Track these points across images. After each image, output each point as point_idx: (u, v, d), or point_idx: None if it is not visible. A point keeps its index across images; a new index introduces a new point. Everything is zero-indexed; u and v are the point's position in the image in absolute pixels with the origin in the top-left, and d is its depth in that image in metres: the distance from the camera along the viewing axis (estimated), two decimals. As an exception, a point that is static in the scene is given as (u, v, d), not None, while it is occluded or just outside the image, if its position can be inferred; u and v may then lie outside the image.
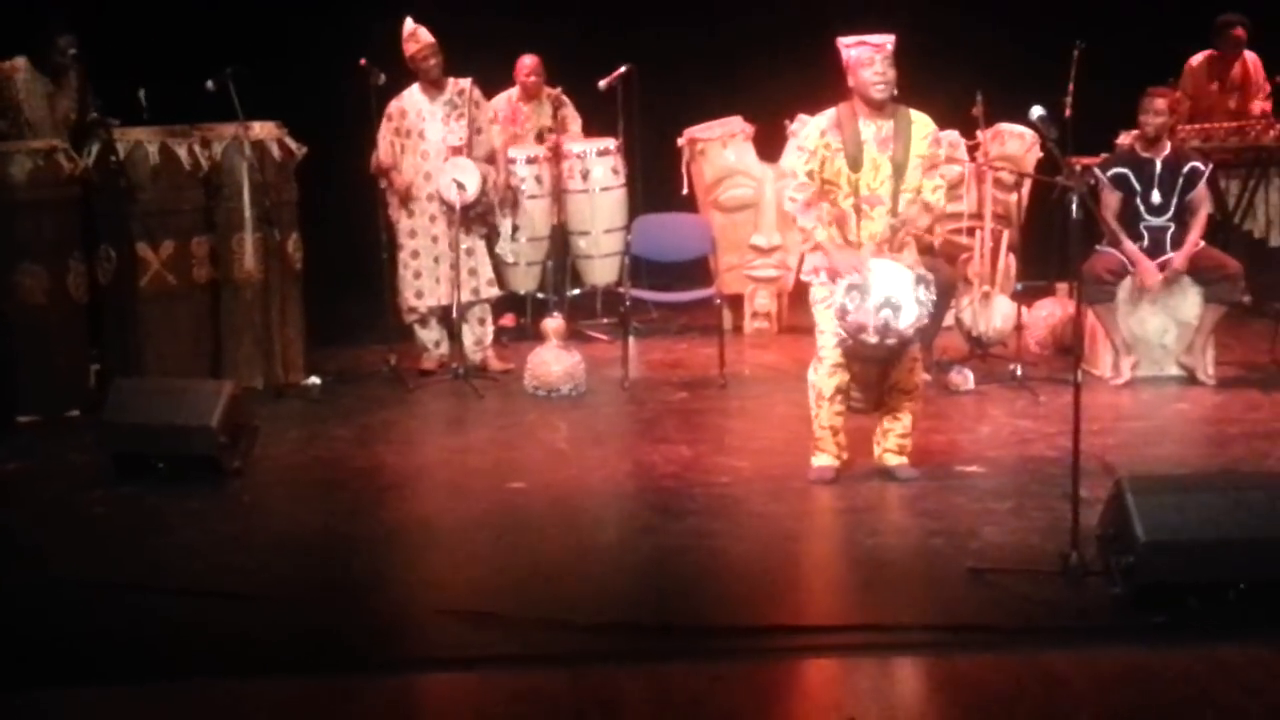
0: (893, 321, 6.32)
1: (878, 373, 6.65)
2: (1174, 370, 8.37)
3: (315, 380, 8.58)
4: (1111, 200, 8.29)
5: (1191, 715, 4.54)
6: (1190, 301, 8.33)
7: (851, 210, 6.50)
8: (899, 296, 6.32)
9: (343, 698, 4.76)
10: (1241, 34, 10.31)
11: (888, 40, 6.50)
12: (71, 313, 8.09)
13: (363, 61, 8.52)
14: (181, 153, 8.23)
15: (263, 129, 8.44)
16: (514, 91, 10.05)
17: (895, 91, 6.50)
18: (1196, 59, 10.44)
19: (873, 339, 6.36)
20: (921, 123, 6.55)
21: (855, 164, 6.47)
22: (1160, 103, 8.31)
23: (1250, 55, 10.43)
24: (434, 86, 8.68)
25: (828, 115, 6.58)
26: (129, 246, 8.13)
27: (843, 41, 6.57)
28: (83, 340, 8.18)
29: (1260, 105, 10.37)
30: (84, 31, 8.36)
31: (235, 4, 10.03)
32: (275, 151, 8.47)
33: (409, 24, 8.65)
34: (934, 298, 6.45)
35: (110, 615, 5.33)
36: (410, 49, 8.63)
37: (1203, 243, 8.38)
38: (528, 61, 10.01)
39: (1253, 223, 10.05)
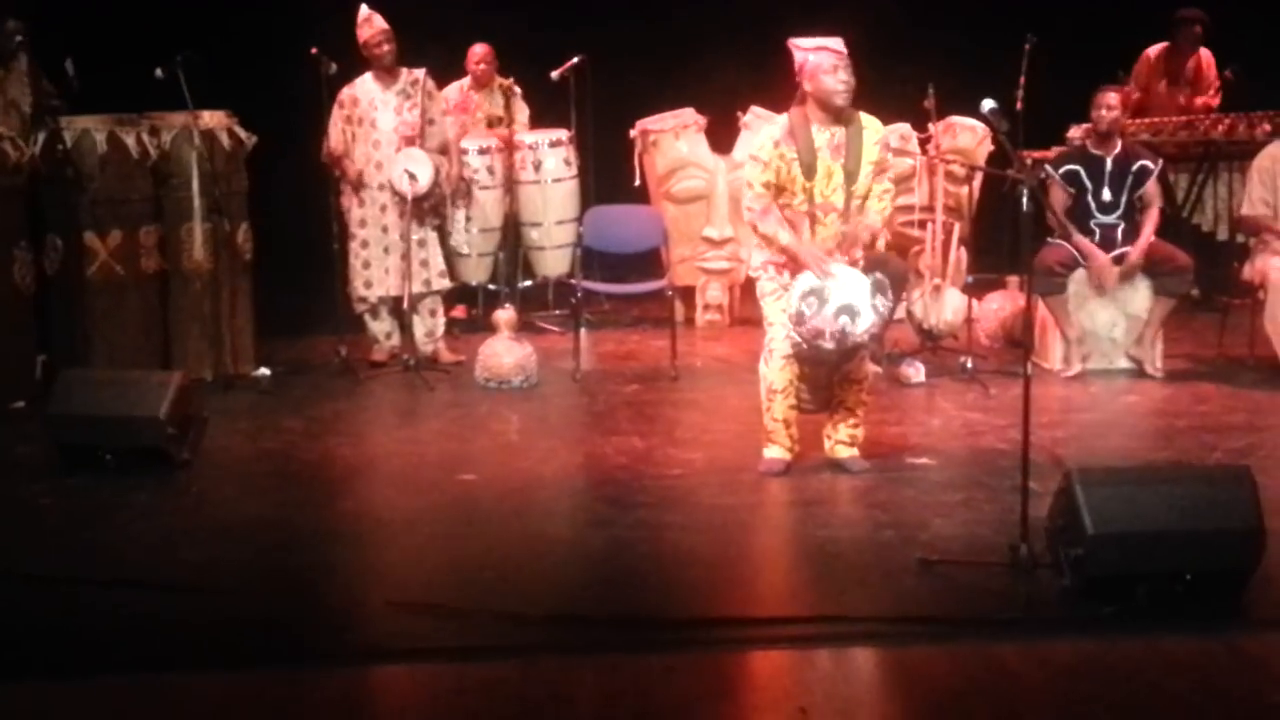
0: (850, 328, 6.31)
1: (827, 374, 6.65)
2: (1123, 363, 8.42)
3: (265, 371, 8.54)
4: (1061, 196, 8.33)
5: (1141, 705, 4.56)
6: (1140, 295, 8.38)
7: (805, 217, 6.50)
8: (858, 303, 6.31)
9: (292, 690, 4.73)
10: (1199, 31, 10.39)
11: (842, 43, 6.48)
12: (18, 303, 7.99)
13: (314, 50, 8.49)
14: (130, 141, 8.17)
15: (212, 118, 8.39)
16: (465, 80, 10.03)
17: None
18: (1153, 51, 10.51)
19: (829, 345, 6.36)
20: (873, 128, 6.54)
21: (810, 172, 6.46)
22: (1112, 98, 8.36)
23: (1204, 52, 10.50)
24: (387, 75, 8.65)
25: (780, 124, 6.56)
26: (76, 236, 8.08)
27: (797, 44, 6.50)
28: (29, 331, 8.09)
29: (1205, 100, 10.44)
30: (32, 17, 8.28)
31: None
32: (225, 140, 8.42)
33: (364, 9, 8.61)
34: (890, 304, 6.46)
35: (57, 608, 5.28)
36: (364, 34, 8.58)
37: (1154, 237, 8.43)
38: (479, 50, 9.99)
39: (1201, 217, 10.12)
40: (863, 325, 6.33)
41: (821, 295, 6.31)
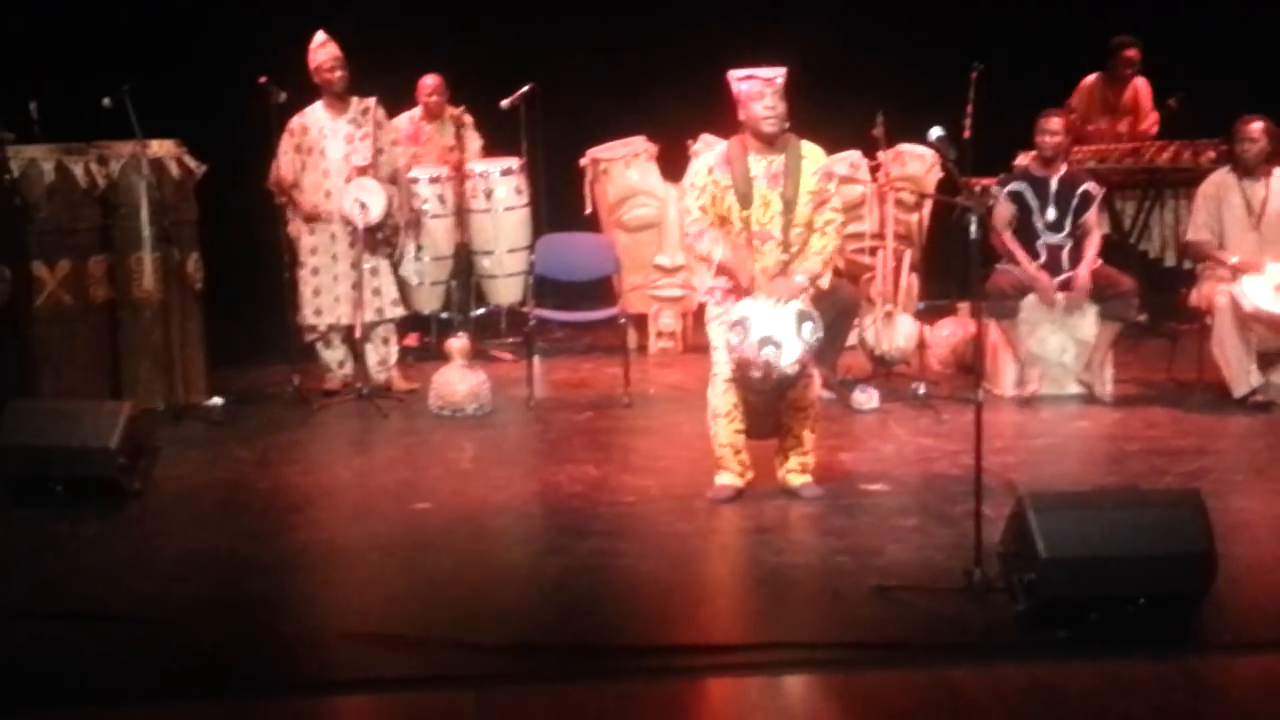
0: (774, 359, 6.30)
1: (772, 402, 6.65)
2: (1074, 388, 8.48)
3: (217, 401, 8.48)
4: (1006, 212, 8.40)
5: (1094, 730, 4.59)
6: (1088, 320, 8.45)
7: (743, 246, 6.53)
8: (780, 334, 6.31)
9: (245, 722, 4.71)
10: (1134, 55, 10.45)
11: (778, 74, 6.52)
12: (-35, 334, 7.95)
13: (263, 79, 8.45)
14: (78, 171, 8.13)
15: (161, 147, 8.35)
16: (416, 111, 10.03)
17: (786, 124, 6.52)
18: (1089, 80, 10.59)
19: (757, 375, 6.37)
20: (812, 156, 6.57)
21: (745, 200, 6.50)
22: (1055, 123, 8.45)
23: (1140, 80, 10.59)
24: (338, 103, 8.63)
25: (717, 151, 6.63)
26: (24, 266, 8.01)
27: (733, 75, 6.58)
28: (-23, 362, 8.04)
29: (1145, 128, 10.50)
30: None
31: (133, 20, 9.92)
32: (174, 170, 8.39)
33: (320, 35, 8.59)
34: (820, 334, 6.43)
35: (6, 641, 5.23)
36: (318, 58, 8.55)
37: (1099, 261, 8.51)
38: (429, 81, 9.99)
39: (1148, 243, 10.20)
40: (788, 357, 6.32)
41: (745, 326, 6.33)
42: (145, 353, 8.36)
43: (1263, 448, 7.53)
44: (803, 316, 6.37)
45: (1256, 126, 8.28)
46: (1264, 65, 10.36)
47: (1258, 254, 8.18)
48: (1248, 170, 8.30)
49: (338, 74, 8.57)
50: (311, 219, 8.62)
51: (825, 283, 6.68)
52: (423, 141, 9.98)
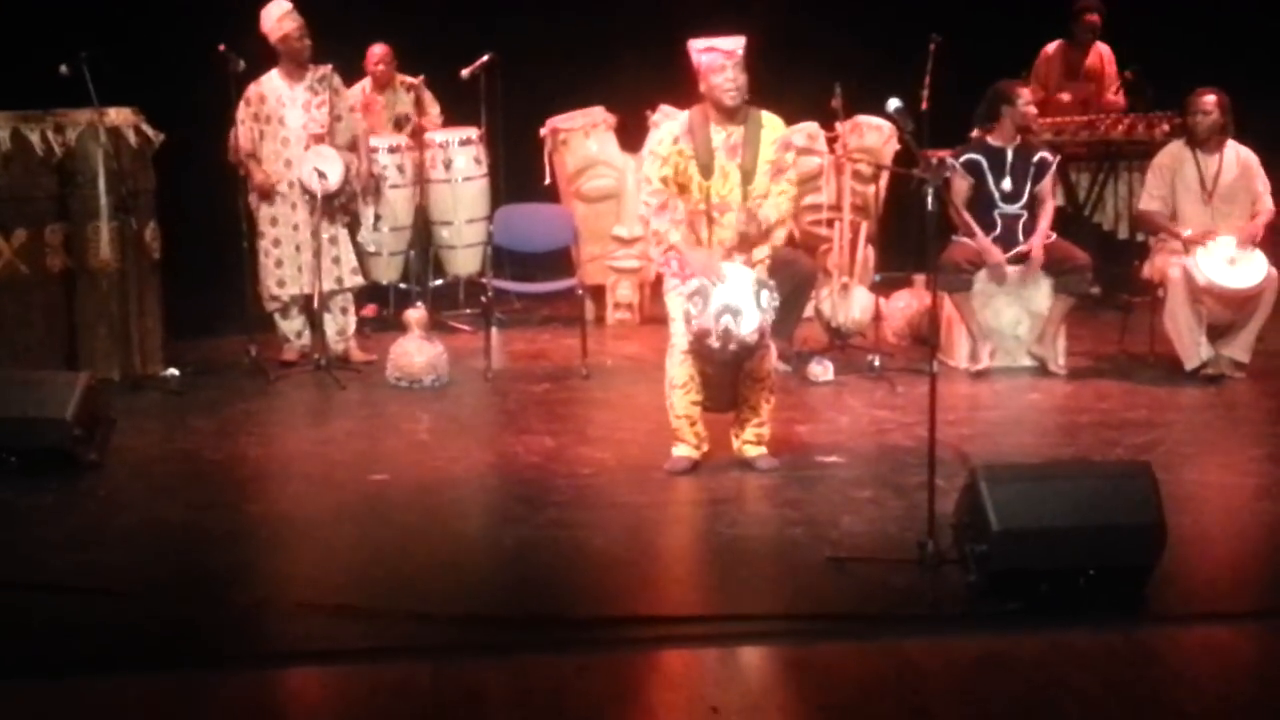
0: (733, 327, 6.33)
1: (730, 373, 6.69)
2: (1027, 361, 8.54)
3: (174, 371, 8.46)
4: (961, 186, 8.45)
5: (1044, 700, 4.64)
6: (1042, 293, 8.50)
7: (703, 216, 6.55)
8: (739, 302, 6.33)
9: (202, 692, 4.72)
10: (1095, 20, 10.50)
11: (738, 45, 6.53)
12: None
13: (221, 47, 8.39)
14: (34, 138, 8.09)
15: (119, 115, 8.30)
16: (367, 82, 10.00)
17: (747, 96, 6.55)
18: (1050, 48, 10.64)
19: (715, 344, 6.39)
20: (771, 126, 6.60)
21: (706, 171, 6.53)
22: (1028, 93, 8.56)
23: (1103, 47, 10.65)
24: (297, 70, 8.58)
25: (680, 121, 6.65)
26: (-21, 235, 7.99)
27: (693, 45, 6.59)
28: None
29: (1111, 98, 10.60)
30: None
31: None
32: (132, 138, 8.34)
33: (284, 3, 8.52)
34: (777, 303, 6.46)
35: (-38, 612, 5.24)
36: (286, 27, 8.47)
37: (1054, 234, 8.56)
38: (377, 51, 9.98)
39: (1102, 216, 10.28)
40: (747, 325, 6.35)
41: (705, 295, 6.35)
42: (102, 322, 8.32)
43: (1213, 420, 7.63)
44: (762, 285, 6.40)
45: (1210, 100, 8.33)
46: (1218, 38, 10.43)
47: (1210, 227, 8.24)
48: (1201, 143, 8.36)
49: (306, 42, 8.53)
50: (265, 194, 8.58)
51: (780, 238, 6.69)
52: (375, 112, 9.95)
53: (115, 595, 5.35)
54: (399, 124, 9.98)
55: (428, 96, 10.07)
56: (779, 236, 6.68)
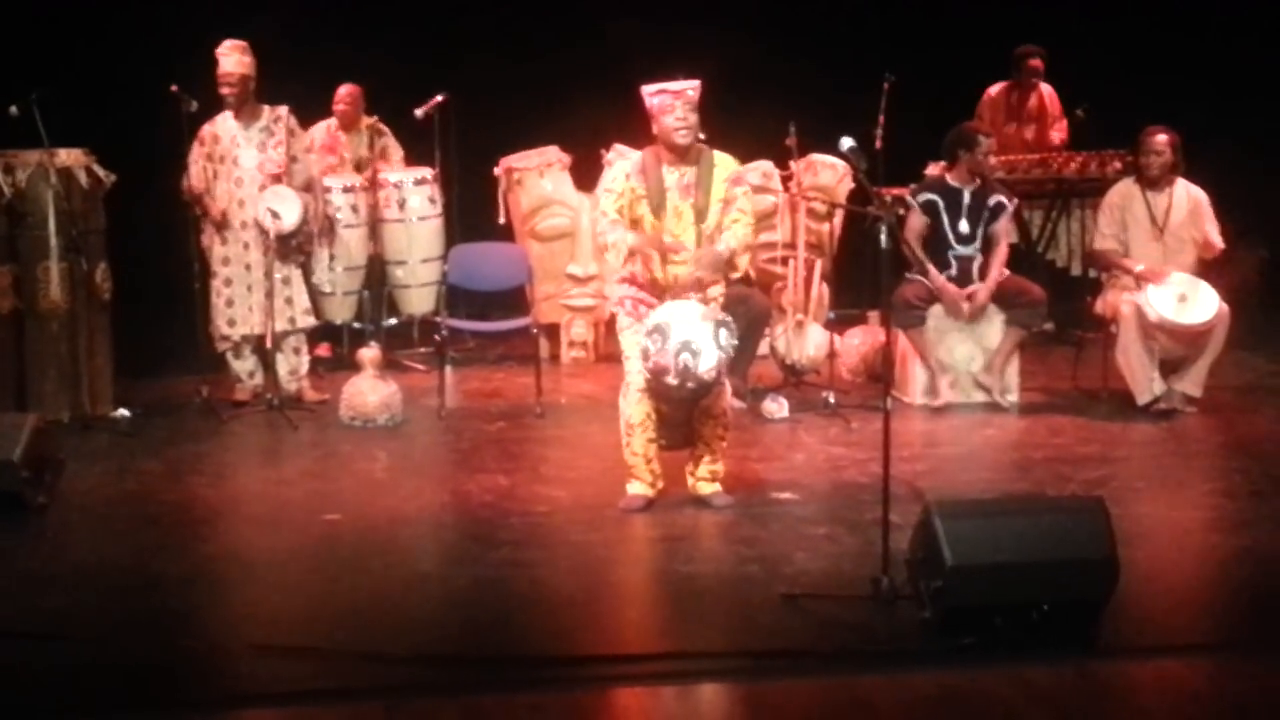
0: (692, 365, 6.33)
1: (685, 411, 6.69)
2: (981, 397, 8.56)
3: (124, 412, 8.40)
4: (917, 223, 8.50)
5: (998, 735, 4.65)
6: (996, 329, 8.55)
7: (656, 255, 6.57)
8: (698, 341, 6.33)
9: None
10: (1038, 65, 10.64)
11: (690, 86, 6.58)
12: None
13: (174, 88, 8.38)
14: (-17, 179, 8.05)
15: (70, 156, 8.26)
16: (333, 121, 10.00)
17: (700, 135, 6.59)
18: (994, 89, 10.75)
19: (673, 381, 6.39)
20: (724, 164, 6.64)
21: (658, 211, 6.57)
22: (992, 143, 8.64)
23: (1046, 87, 10.76)
24: (248, 111, 8.56)
25: (633, 160, 6.71)
26: (-71, 275, 7.93)
27: (645, 90, 6.65)
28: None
29: (1057, 136, 10.69)
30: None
31: (41, 27, 9.82)
32: (83, 179, 8.30)
33: (224, 45, 8.49)
34: (735, 342, 6.47)
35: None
36: (221, 66, 8.46)
37: (1007, 271, 8.61)
38: (343, 91, 9.99)
39: (1055, 252, 10.35)
40: (705, 363, 6.34)
41: (664, 332, 6.36)
42: (51, 363, 8.26)
43: (1165, 454, 7.66)
44: (720, 324, 6.41)
45: (1161, 139, 8.40)
46: (1168, 76, 10.54)
47: (1161, 263, 8.30)
48: (1152, 181, 8.42)
49: (224, 90, 8.47)
50: (221, 226, 8.55)
51: (744, 264, 6.73)
52: (339, 151, 9.95)
53: (65, 640, 5.29)
54: (359, 166, 9.97)
55: (390, 141, 10.08)
56: (743, 263, 6.72)
